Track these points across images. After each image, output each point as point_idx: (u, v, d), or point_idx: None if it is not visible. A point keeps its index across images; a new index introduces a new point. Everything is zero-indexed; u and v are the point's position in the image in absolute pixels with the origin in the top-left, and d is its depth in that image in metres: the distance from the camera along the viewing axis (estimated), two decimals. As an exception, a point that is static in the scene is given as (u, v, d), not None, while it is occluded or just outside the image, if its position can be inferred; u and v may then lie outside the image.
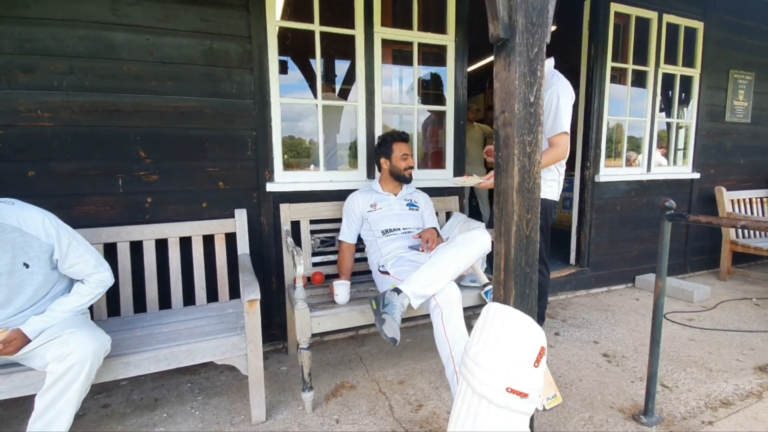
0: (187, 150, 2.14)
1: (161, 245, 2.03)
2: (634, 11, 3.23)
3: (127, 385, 2.04)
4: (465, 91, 2.72)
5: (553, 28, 4.60)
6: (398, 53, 2.79)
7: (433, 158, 3.43)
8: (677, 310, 2.94)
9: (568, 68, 3.43)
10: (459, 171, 2.74)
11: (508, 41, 1.10)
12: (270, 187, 2.28)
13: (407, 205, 2.22)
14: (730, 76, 3.76)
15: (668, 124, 3.67)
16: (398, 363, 2.23)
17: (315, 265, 2.34)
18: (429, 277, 1.65)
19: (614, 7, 3.13)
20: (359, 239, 2.26)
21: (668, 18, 3.36)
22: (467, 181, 2.12)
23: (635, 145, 3.63)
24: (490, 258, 2.17)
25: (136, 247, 1.99)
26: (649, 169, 3.50)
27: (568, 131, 1.99)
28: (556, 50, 3.27)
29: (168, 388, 2.02)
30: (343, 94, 3.42)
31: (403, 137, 2.19)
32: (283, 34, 2.40)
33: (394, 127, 3.00)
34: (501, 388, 1.10)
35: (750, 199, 3.86)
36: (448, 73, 2.66)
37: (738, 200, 3.76)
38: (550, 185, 2.11)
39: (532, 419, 1.29)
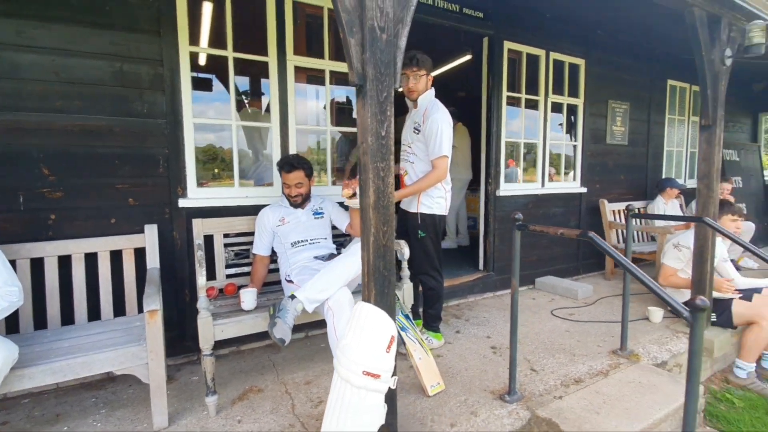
0: (95, 167, 2.19)
1: (68, 261, 2.05)
2: (526, 48, 3.73)
3: (28, 403, 2.02)
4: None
5: (467, 58, 5.06)
6: (314, 77, 3.01)
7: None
8: (563, 306, 3.40)
9: (475, 97, 3.89)
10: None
11: (362, 87, 1.36)
12: (183, 203, 2.37)
13: (314, 214, 2.42)
14: (609, 105, 4.43)
15: (560, 146, 4.23)
16: (309, 366, 2.40)
17: (230, 276, 2.45)
18: (323, 284, 1.86)
19: (508, 45, 3.60)
20: (274, 251, 2.42)
21: (555, 55, 3.92)
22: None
23: (530, 163, 4.12)
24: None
25: (40, 264, 2.00)
26: (543, 184, 4.01)
27: (448, 155, 2.31)
28: (467, 81, 3.71)
29: (71, 404, 2.02)
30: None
31: (287, 169, 2.26)
32: (198, 57, 2.54)
33: (311, 145, 3.21)
34: (359, 371, 1.32)
35: (620, 210, 4.52)
36: (359, 99, 2.92)
37: (618, 210, 4.39)
38: (438, 202, 2.42)
39: (393, 399, 1.52)
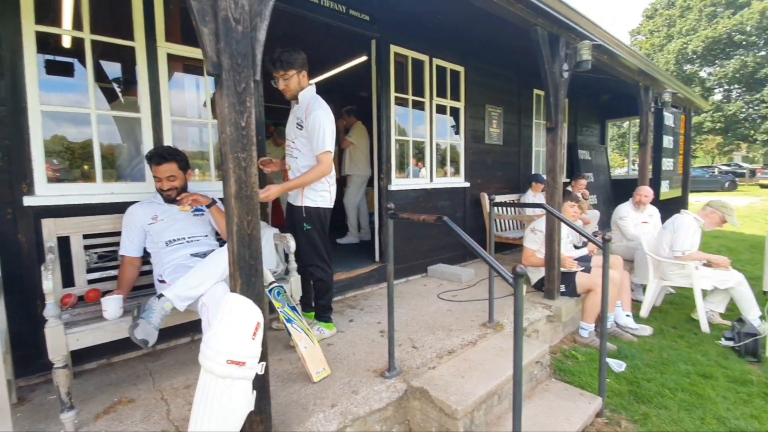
0: None
1: None
2: (411, 53, 4.01)
3: None
4: (262, 108, 2.96)
5: (363, 59, 5.20)
6: (194, 67, 2.86)
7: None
8: (449, 290, 3.74)
9: (368, 96, 4.05)
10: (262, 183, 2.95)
11: (219, 77, 1.36)
12: (29, 201, 2.08)
13: (193, 211, 2.31)
14: (486, 109, 4.97)
15: (446, 144, 4.63)
16: (192, 370, 2.29)
17: (94, 282, 2.22)
18: (195, 279, 1.80)
19: (394, 49, 3.83)
20: (147, 252, 2.25)
21: (437, 61, 4.28)
22: None
23: (419, 159, 4.45)
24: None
25: None
26: (431, 179, 4.35)
27: (332, 150, 2.40)
28: (369, 81, 3.85)
29: None
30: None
31: (157, 161, 2.12)
32: (56, 39, 2.25)
33: (193, 139, 3.04)
34: (222, 360, 1.32)
35: (504, 201, 5.13)
36: (243, 92, 2.85)
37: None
38: (323, 195, 2.49)
39: (265, 385, 1.55)
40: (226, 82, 1.35)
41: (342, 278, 3.57)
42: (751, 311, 3.37)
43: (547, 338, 3.24)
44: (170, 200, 2.22)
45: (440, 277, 4.17)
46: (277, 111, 5.21)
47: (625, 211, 4.66)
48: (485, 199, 4.79)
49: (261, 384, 1.49)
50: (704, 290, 3.59)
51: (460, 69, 4.56)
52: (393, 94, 3.84)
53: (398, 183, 3.96)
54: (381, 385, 2.06)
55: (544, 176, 5.59)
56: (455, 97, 4.57)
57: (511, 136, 5.43)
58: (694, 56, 24.40)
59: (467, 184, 4.74)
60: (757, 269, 5.03)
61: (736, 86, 24.08)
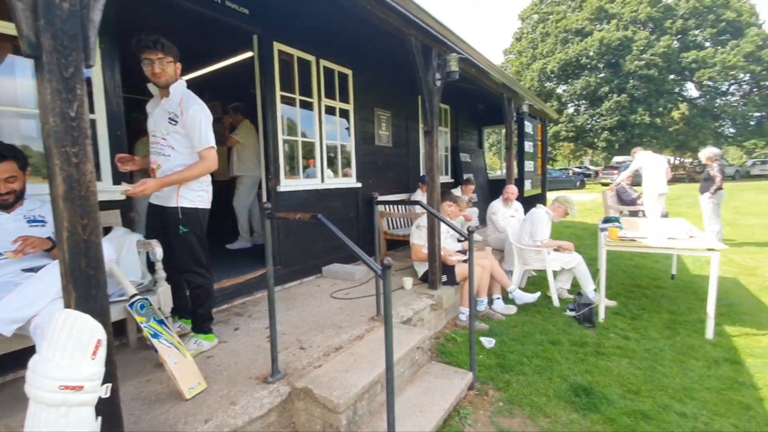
0: None
1: None
2: (296, 52, 3.96)
3: None
4: (120, 99, 2.63)
5: (249, 55, 4.97)
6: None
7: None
8: (343, 288, 3.78)
9: (254, 94, 3.87)
10: (119, 180, 2.62)
11: (39, 59, 1.17)
12: None
13: (28, 221, 1.95)
14: (375, 112, 5.16)
15: (337, 146, 4.68)
16: (18, 411, 1.91)
17: None
18: (22, 300, 1.52)
19: (278, 46, 3.74)
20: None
21: (325, 63, 4.30)
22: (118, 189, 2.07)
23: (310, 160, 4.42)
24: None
25: None
26: (323, 180, 4.35)
27: (215, 146, 2.25)
28: (251, 79, 3.67)
29: None
30: None
31: None
32: None
33: (31, 134, 2.56)
34: (54, 387, 1.14)
35: (388, 200, 5.38)
36: (94, 80, 2.50)
37: (387, 201, 5.17)
38: (200, 195, 2.32)
39: (116, 409, 1.38)
40: (48, 66, 1.17)
41: (228, 285, 3.36)
42: (588, 285, 4.10)
43: (432, 325, 3.49)
44: (5, 206, 1.85)
45: (335, 276, 4.19)
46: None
47: (496, 207, 5.28)
48: (376, 197, 4.96)
49: (110, 408, 1.32)
50: (555, 271, 4.26)
51: (348, 72, 4.66)
52: (279, 93, 3.75)
53: (288, 184, 3.88)
54: (263, 391, 1.99)
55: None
56: (344, 99, 4.65)
57: (400, 139, 5.73)
58: (552, 75, 28.78)
59: (359, 185, 4.86)
60: (595, 251, 6.15)
61: (584, 102, 29.11)
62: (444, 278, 3.71)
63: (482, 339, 3.29)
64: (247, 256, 4.36)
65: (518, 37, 32.94)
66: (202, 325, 2.49)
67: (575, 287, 4.40)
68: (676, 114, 28.35)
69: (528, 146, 6.55)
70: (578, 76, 28.22)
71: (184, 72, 2.38)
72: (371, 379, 2.09)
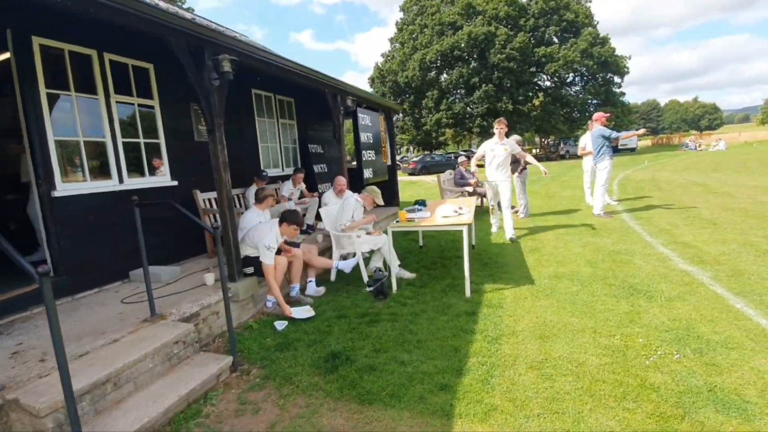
0: None
1: None
2: (67, 46, 3.67)
3: None
4: None
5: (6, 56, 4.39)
6: None
7: None
8: (142, 291, 3.72)
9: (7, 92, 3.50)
10: None
11: None
12: None
13: None
14: (192, 107, 5.04)
15: (140, 143, 4.47)
16: None
17: None
18: None
19: (39, 41, 3.43)
20: None
21: (112, 57, 4.05)
22: None
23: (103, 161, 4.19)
24: None
25: None
26: (121, 180, 4.16)
27: None
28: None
29: None
30: None
31: None
32: None
33: None
34: None
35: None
36: None
37: (210, 199, 5.16)
38: None
39: None
40: None
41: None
42: (394, 262, 4.66)
43: (233, 316, 3.64)
44: None
45: (141, 280, 4.08)
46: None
47: (328, 197, 5.62)
48: (197, 195, 4.92)
49: None
50: (373, 251, 4.75)
51: (149, 66, 4.47)
52: (44, 91, 3.46)
53: (69, 188, 3.64)
54: (-41, 411, 1.94)
55: (268, 171, 6.10)
56: (146, 94, 4.45)
57: (232, 134, 5.66)
58: (432, 65, 30.72)
59: (174, 183, 4.75)
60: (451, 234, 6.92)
61: (461, 90, 31.73)
62: (251, 270, 3.88)
63: (276, 323, 3.57)
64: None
65: (400, 27, 34.29)
66: None
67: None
68: (536, 101, 32.63)
69: (365, 137, 7.02)
70: (453, 66, 30.58)
71: None
72: (95, 379, 2.17)
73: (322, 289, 4.35)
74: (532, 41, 30.01)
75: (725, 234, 5.50)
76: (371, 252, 4.86)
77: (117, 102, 4.11)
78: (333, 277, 4.80)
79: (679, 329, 2.99)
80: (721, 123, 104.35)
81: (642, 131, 9.18)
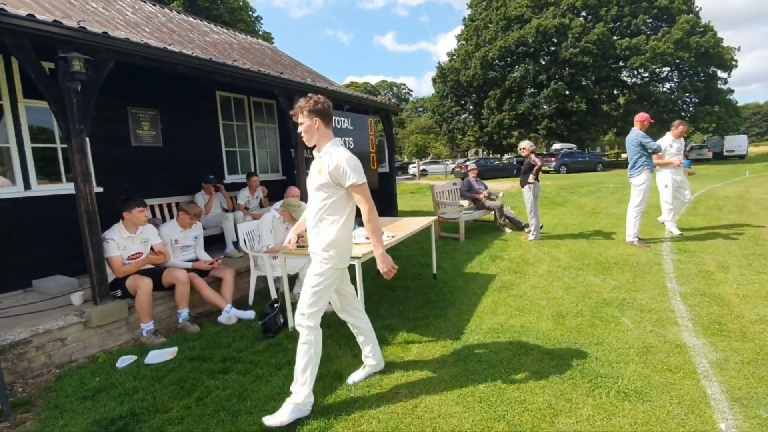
0: None
1: None
2: (-36, 49, 3.60)
3: None
4: None
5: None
6: None
7: None
8: (24, 303, 3.52)
9: None
10: None
11: None
12: None
13: None
14: (129, 111, 4.84)
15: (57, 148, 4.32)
16: None
17: None
18: None
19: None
20: None
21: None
22: None
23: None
24: None
25: None
26: (28, 187, 4.04)
27: None
28: None
29: None
30: None
31: None
32: None
33: None
34: None
35: (167, 204, 5.13)
36: None
37: (157, 205, 4.91)
38: None
39: None
40: None
41: None
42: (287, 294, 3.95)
43: (86, 344, 3.25)
44: None
45: (44, 290, 3.90)
46: None
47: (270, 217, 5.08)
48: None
49: None
50: (296, 275, 4.11)
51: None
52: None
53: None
54: None
55: (212, 176, 5.73)
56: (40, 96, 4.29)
57: (176, 138, 5.41)
58: (494, 63, 28.67)
59: (100, 189, 4.56)
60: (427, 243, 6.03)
61: (528, 89, 29.19)
62: (119, 292, 3.49)
63: (121, 359, 3.10)
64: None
65: (467, 24, 32.68)
66: None
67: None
68: (621, 100, 28.71)
69: (345, 142, 6.34)
70: (518, 63, 28.26)
71: None
72: None
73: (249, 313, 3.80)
74: (616, 32, 26.50)
75: (791, 288, 3.83)
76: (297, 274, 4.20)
77: (27, 106, 4.00)
78: (251, 300, 4.25)
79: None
80: None
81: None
